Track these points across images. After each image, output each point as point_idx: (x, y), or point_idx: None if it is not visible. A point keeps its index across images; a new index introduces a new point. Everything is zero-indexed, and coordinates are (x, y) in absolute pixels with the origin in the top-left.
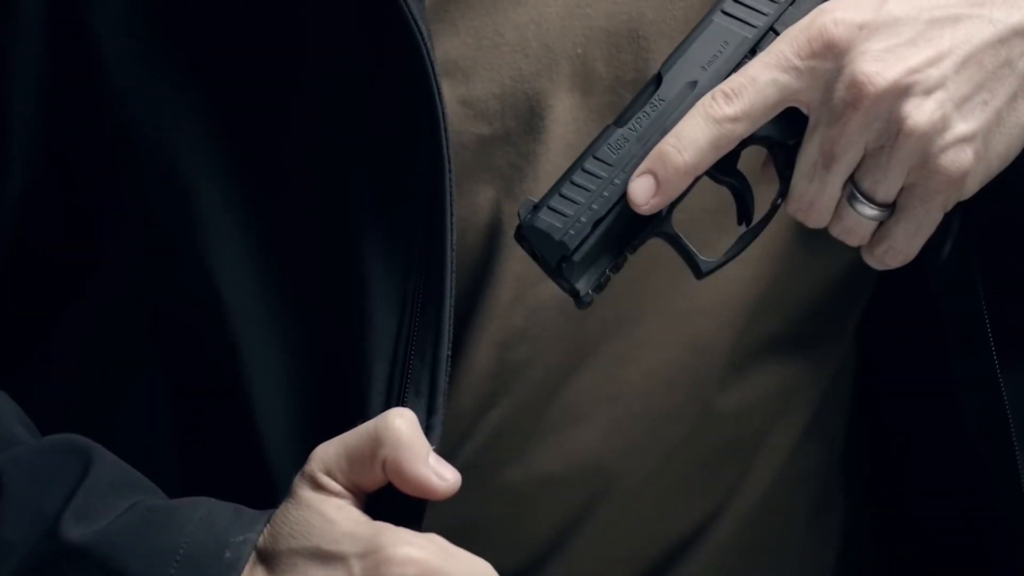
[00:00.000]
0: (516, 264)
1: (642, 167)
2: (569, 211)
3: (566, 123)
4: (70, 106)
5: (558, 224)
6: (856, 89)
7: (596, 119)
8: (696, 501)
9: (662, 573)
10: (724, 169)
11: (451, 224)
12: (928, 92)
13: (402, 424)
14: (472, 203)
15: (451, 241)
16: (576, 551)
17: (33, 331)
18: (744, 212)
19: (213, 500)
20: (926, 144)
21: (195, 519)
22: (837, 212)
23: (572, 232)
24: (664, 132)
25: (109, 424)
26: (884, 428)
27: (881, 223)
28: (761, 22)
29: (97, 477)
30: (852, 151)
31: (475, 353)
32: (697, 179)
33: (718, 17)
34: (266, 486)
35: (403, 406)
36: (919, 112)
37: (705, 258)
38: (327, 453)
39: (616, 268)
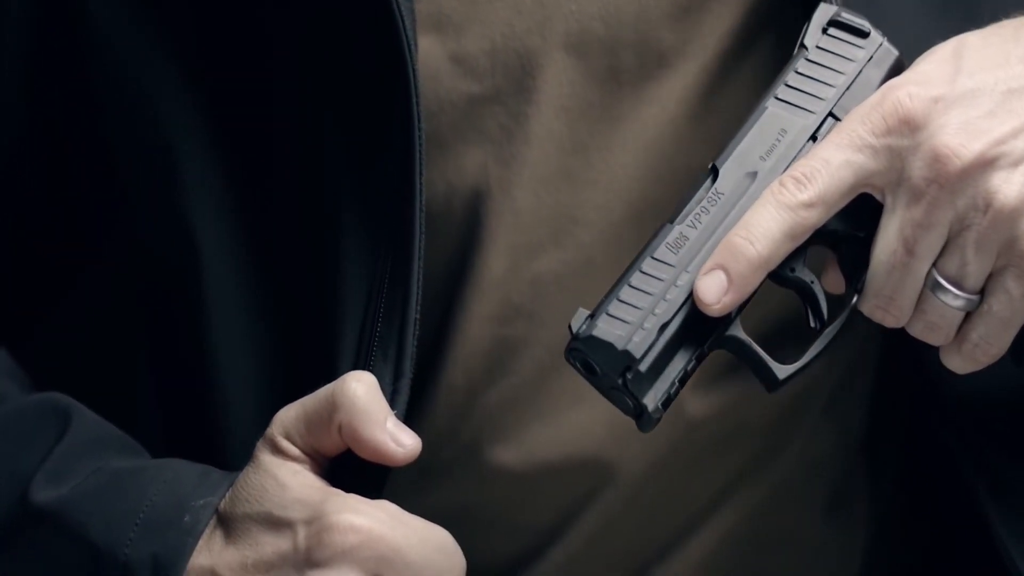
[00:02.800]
0: (509, 233)
1: (710, 263)
2: (630, 317)
3: (559, 84)
4: (55, 65)
5: (620, 332)
6: (939, 164)
7: (593, 83)
8: (700, 489)
9: (665, 561)
10: (791, 269)
11: (420, 184)
12: (1016, 164)
13: (358, 388)
14: (459, 166)
15: (420, 202)
16: (577, 539)
17: (24, 297)
18: (816, 313)
19: (183, 462)
20: (1017, 219)
21: (159, 482)
22: (919, 306)
23: (636, 340)
24: (729, 226)
25: (92, 387)
26: (911, 418)
27: (968, 315)
28: (819, 108)
29: (74, 438)
30: (936, 233)
31: (468, 328)
32: (764, 280)
33: (772, 105)
34: (234, 449)
35: (370, 370)
36: (1008, 186)
37: (779, 364)
38: (287, 417)
39: (684, 379)
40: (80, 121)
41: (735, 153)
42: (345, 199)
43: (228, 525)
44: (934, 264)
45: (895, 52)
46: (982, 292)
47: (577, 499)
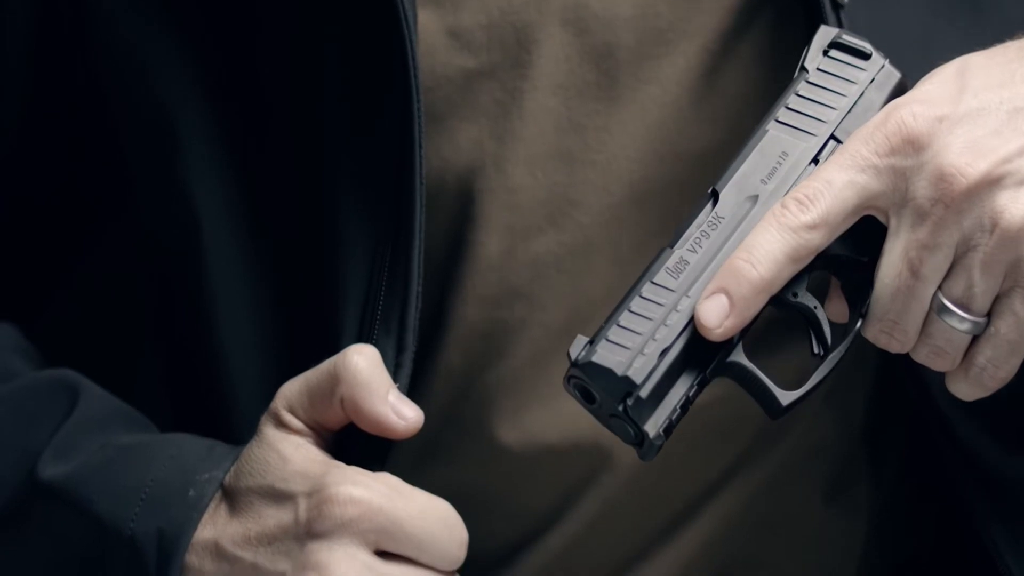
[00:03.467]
0: (505, 213)
1: (711, 287)
2: (630, 343)
3: (556, 61)
4: (59, 41)
5: (620, 358)
6: (944, 183)
7: (590, 60)
8: (699, 474)
9: (664, 547)
10: (794, 293)
11: (420, 157)
12: (1022, 183)
13: (360, 361)
14: (454, 142)
15: (420, 175)
16: (576, 523)
17: (34, 275)
18: (820, 339)
19: (189, 436)
20: None
21: (164, 457)
22: (925, 330)
23: (637, 365)
24: (730, 250)
25: (100, 365)
26: (915, 406)
27: (974, 339)
28: (821, 130)
29: (82, 414)
30: (941, 255)
31: (463, 309)
32: (766, 305)
33: (773, 128)
34: (240, 424)
35: (373, 344)
36: (1015, 205)
37: (783, 391)
38: (291, 390)
39: (686, 405)
40: (84, 97)
41: (735, 177)
42: (345, 174)
43: (232, 498)
44: (939, 287)
45: (897, 74)
46: (989, 315)
47: (576, 483)
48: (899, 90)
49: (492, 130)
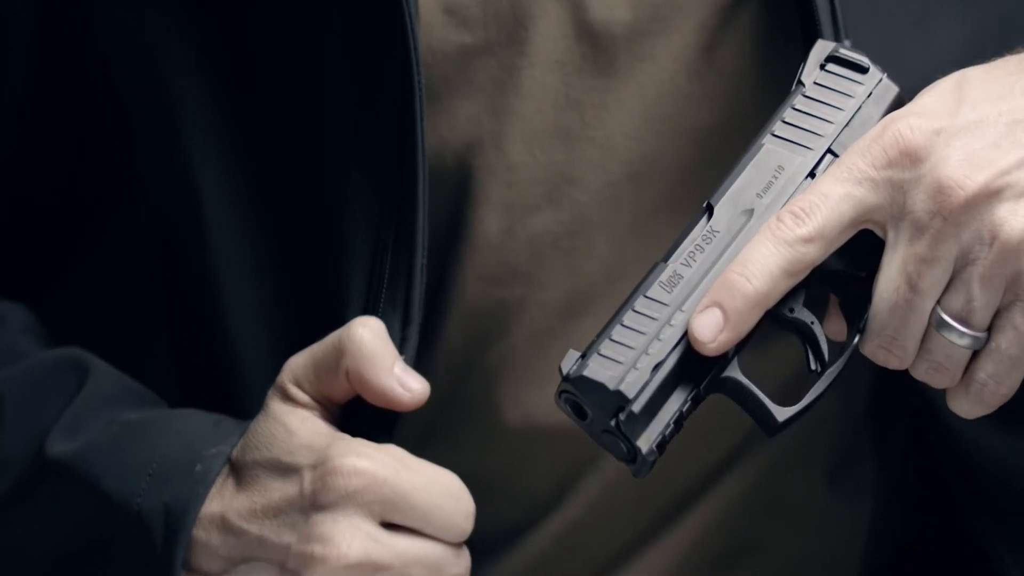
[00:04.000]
0: (502, 190)
1: (706, 301)
2: (622, 357)
3: (553, 38)
4: (62, 18)
5: (612, 372)
6: (942, 196)
7: (586, 37)
8: (701, 455)
9: (666, 531)
10: (790, 309)
11: (421, 130)
12: (1021, 195)
13: (365, 333)
14: (451, 119)
15: (422, 147)
16: (576, 507)
17: (43, 257)
18: (817, 355)
19: (196, 412)
20: None
21: (171, 433)
22: (924, 345)
23: (629, 380)
24: (724, 264)
25: (110, 345)
26: (918, 387)
27: (974, 354)
28: (818, 144)
29: (90, 391)
30: (940, 268)
31: (462, 287)
32: (762, 321)
33: (769, 142)
34: (250, 401)
35: (378, 317)
36: (1015, 217)
37: (779, 407)
38: (297, 364)
39: (679, 421)
40: (88, 83)
41: (731, 191)
42: (347, 149)
43: (240, 472)
44: (938, 301)
45: (895, 88)
46: (989, 330)
47: (577, 466)
48: (897, 104)
49: (489, 107)
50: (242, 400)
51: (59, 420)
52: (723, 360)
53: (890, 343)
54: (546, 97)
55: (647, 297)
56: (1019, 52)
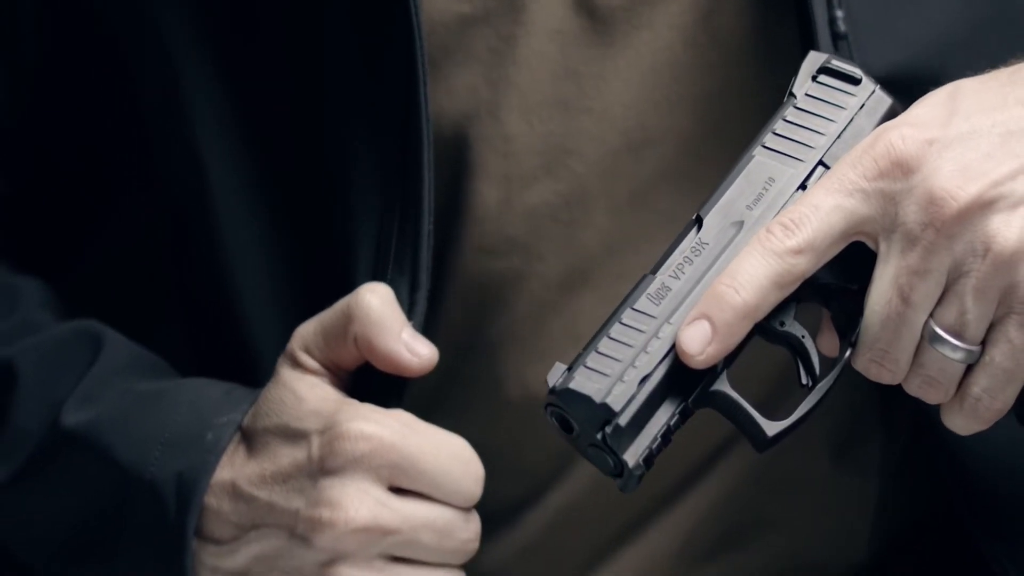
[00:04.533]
0: (500, 161)
1: (694, 313)
2: (609, 370)
3: (551, 8)
4: None
5: (598, 385)
6: (935, 207)
7: (583, 6)
8: (706, 432)
9: (669, 505)
10: (781, 322)
11: (425, 96)
12: (1015, 206)
13: (373, 299)
14: (449, 89)
15: (427, 113)
16: (578, 483)
17: (55, 232)
18: (808, 369)
19: (208, 381)
20: (1018, 264)
21: (183, 402)
22: (917, 359)
23: (616, 393)
24: (713, 277)
25: (124, 320)
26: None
27: (968, 368)
28: (809, 156)
29: (105, 362)
30: (932, 281)
31: (461, 260)
32: (752, 334)
33: (759, 154)
34: (258, 369)
35: (387, 284)
36: (1008, 229)
37: (769, 421)
38: (306, 331)
39: (667, 435)
40: (97, 49)
41: (720, 202)
42: (351, 117)
43: (250, 440)
44: (931, 314)
45: (888, 99)
46: (983, 343)
47: None
48: (890, 115)
49: (487, 77)
50: (254, 369)
51: (74, 391)
52: (712, 373)
53: (882, 357)
54: (544, 67)
55: (634, 309)
56: (1012, 64)
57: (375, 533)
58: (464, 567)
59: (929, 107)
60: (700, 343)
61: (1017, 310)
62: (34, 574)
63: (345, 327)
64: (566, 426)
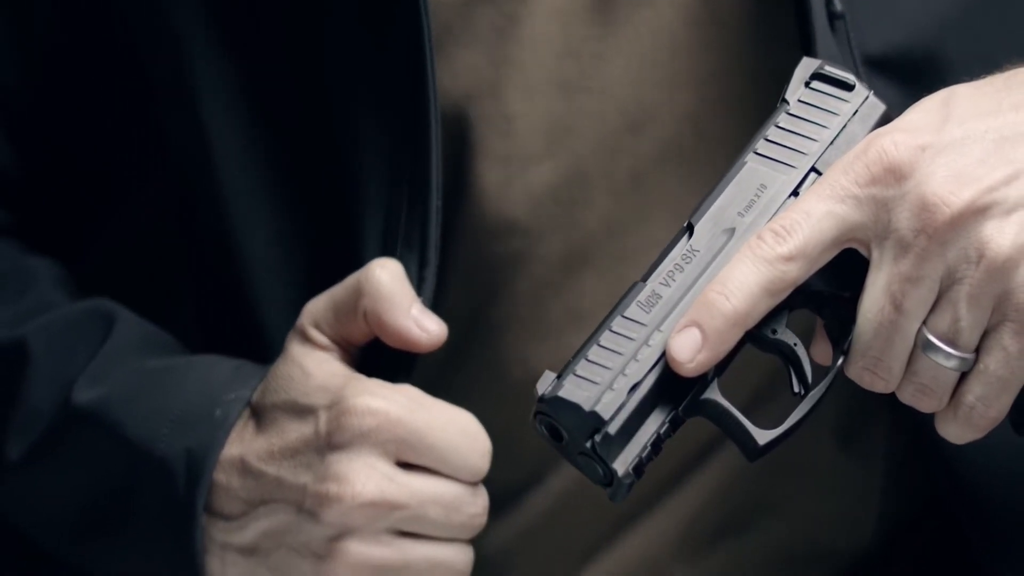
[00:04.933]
0: (501, 141)
1: (684, 320)
2: (599, 378)
3: None
4: None
5: (587, 393)
6: (928, 213)
7: None
8: None
9: (672, 490)
10: (772, 330)
11: (432, 72)
12: (1009, 212)
13: (383, 275)
14: (451, 68)
15: (433, 89)
16: None
17: (70, 213)
18: (801, 377)
19: (218, 358)
20: (1012, 271)
21: (192, 379)
22: (910, 367)
23: (605, 401)
24: (704, 284)
25: (137, 302)
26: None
27: (963, 376)
28: (801, 163)
29: (116, 340)
30: (925, 287)
31: (463, 240)
32: (744, 342)
33: (751, 160)
34: (268, 345)
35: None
36: (1002, 236)
37: (760, 430)
38: (316, 307)
39: (657, 444)
40: (108, 29)
41: (712, 209)
42: (358, 94)
43: (259, 415)
44: (924, 322)
45: (882, 106)
46: (977, 351)
47: None
48: (883, 122)
49: (489, 56)
50: (264, 346)
51: (85, 370)
52: (702, 381)
53: (875, 365)
54: (546, 46)
55: (624, 317)
56: (1008, 69)
57: (382, 508)
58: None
59: (922, 112)
60: (690, 351)
61: (1011, 317)
62: (46, 552)
63: (355, 302)
64: (555, 435)
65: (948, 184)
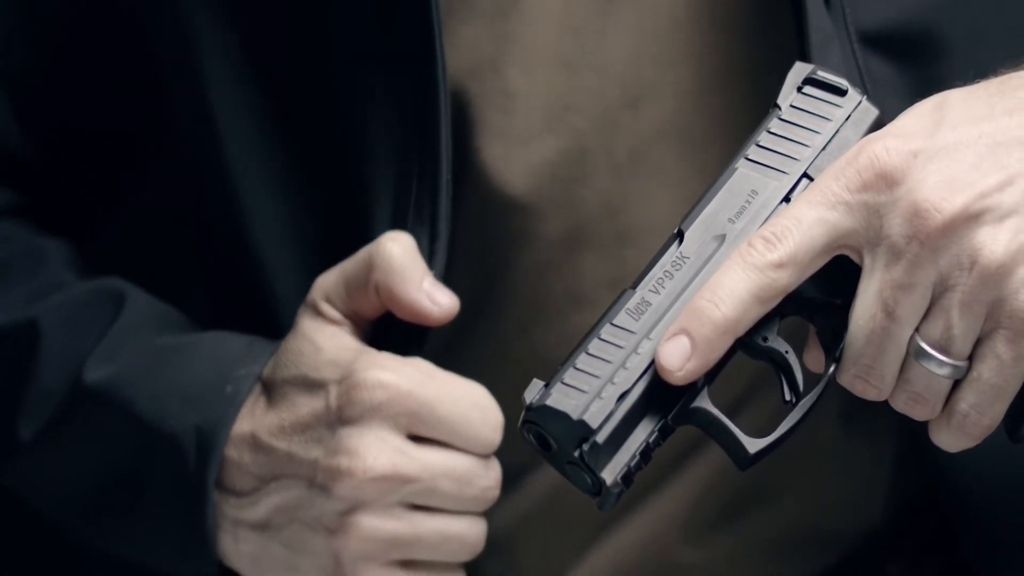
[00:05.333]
0: (500, 117)
1: (673, 328)
2: (587, 387)
3: None
4: None
5: (575, 401)
6: (920, 219)
7: None
8: (712, 396)
9: (676, 472)
10: (763, 338)
11: (440, 44)
12: (1002, 219)
13: (395, 248)
14: (453, 44)
15: (442, 63)
16: None
17: (82, 196)
18: (792, 385)
19: (228, 334)
20: (1005, 278)
21: (202, 356)
22: (902, 375)
23: (593, 409)
24: (694, 291)
25: (144, 277)
26: None
27: (956, 384)
28: (793, 168)
29: (127, 319)
30: (917, 294)
31: (464, 220)
32: (734, 350)
33: (743, 166)
34: (279, 322)
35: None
36: (995, 242)
37: (751, 439)
38: (327, 281)
39: (646, 452)
40: (110, 6)
41: (702, 216)
42: (367, 66)
43: (271, 391)
44: (917, 329)
45: (875, 110)
46: (970, 358)
47: None
48: (876, 126)
49: (490, 32)
50: (275, 323)
51: (96, 348)
52: (692, 390)
53: (867, 373)
54: (547, 22)
55: (613, 325)
56: (1001, 74)
57: (394, 481)
58: None
59: (915, 118)
60: (679, 359)
61: (1005, 324)
62: (57, 529)
63: (367, 276)
64: (544, 443)
65: (940, 190)
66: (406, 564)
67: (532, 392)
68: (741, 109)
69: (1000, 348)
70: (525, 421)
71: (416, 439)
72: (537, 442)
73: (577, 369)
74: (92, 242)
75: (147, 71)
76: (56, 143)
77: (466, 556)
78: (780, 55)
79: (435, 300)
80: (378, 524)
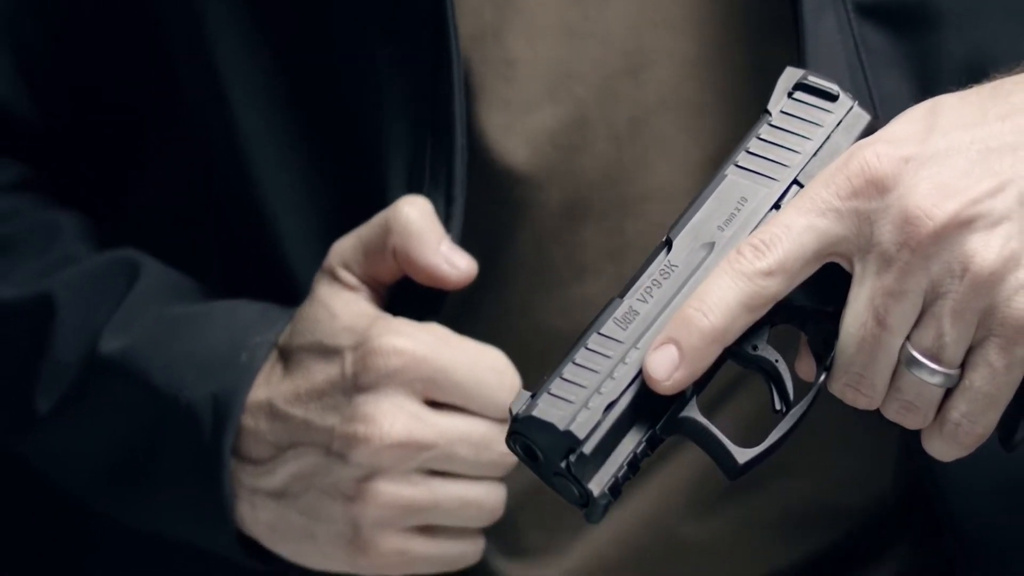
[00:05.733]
0: (502, 85)
1: (661, 337)
2: (574, 397)
3: None
4: None
5: (562, 412)
6: (911, 226)
7: None
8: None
9: (679, 448)
10: (753, 346)
11: (451, 9)
12: (994, 225)
13: (411, 211)
14: (456, 12)
15: (454, 26)
16: None
17: (97, 171)
18: (782, 394)
19: (243, 302)
20: (997, 285)
21: (217, 324)
22: (894, 383)
23: (580, 420)
24: (683, 300)
25: (159, 248)
26: None
27: (948, 392)
28: (783, 175)
29: (141, 289)
30: (909, 302)
31: (467, 191)
32: (723, 359)
33: (732, 173)
34: (295, 291)
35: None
36: (987, 249)
37: (740, 448)
38: (344, 246)
39: (634, 463)
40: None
41: (691, 223)
42: (378, 32)
43: (287, 358)
44: (908, 337)
45: (867, 116)
46: (962, 367)
47: None
48: (868, 132)
49: (492, 0)
50: (292, 290)
51: (111, 319)
52: (680, 399)
53: (858, 381)
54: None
55: (600, 334)
56: (995, 79)
57: (411, 448)
58: None
59: (906, 123)
60: (667, 368)
61: (997, 332)
62: (75, 500)
63: (384, 240)
64: (530, 454)
65: (932, 196)
66: (424, 530)
67: (519, 403)
68: (741, 79)
69: (992, 356)
70: (511, 432)
71: (433, 405)
72: (524, 453)
73: (564, 379)
74: (106, 214)
75: (155, 39)
76: (67, 114)
77: (485, 521)
78: (780, 24)
79: (453, 263)
80: (395, 490)
